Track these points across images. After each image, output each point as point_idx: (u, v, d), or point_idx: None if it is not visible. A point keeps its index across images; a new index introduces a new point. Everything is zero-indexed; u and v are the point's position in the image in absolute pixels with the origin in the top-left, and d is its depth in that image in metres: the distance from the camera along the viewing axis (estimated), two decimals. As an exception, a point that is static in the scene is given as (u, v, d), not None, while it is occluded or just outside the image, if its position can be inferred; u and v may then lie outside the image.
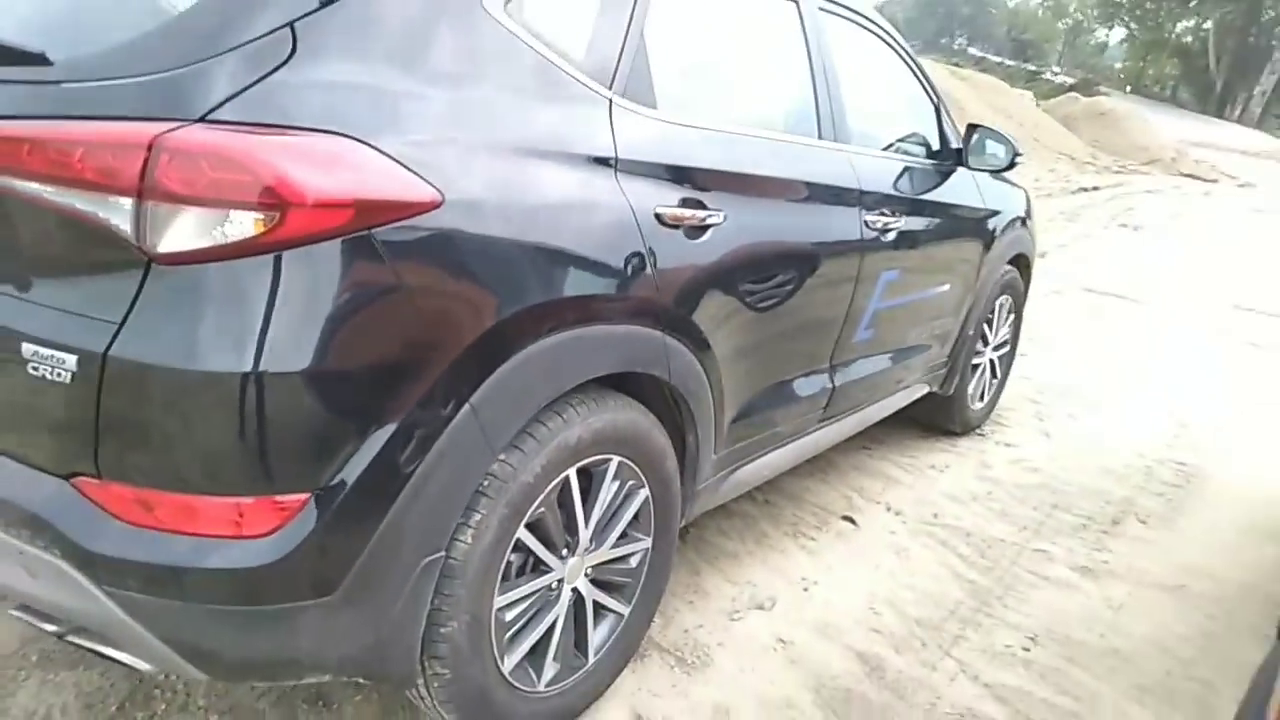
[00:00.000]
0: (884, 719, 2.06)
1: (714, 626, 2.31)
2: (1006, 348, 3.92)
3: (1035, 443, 3.86)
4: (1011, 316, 3.87)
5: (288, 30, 1.30)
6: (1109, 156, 20.30)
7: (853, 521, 2.96)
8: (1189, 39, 74.79)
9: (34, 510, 1.32)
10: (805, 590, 2.54)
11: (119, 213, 1.20)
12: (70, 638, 1.44)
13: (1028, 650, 2.38)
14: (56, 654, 1.95)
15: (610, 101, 1.73)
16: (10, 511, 1.34)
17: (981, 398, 3.83)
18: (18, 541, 1.35)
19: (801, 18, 2.39)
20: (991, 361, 3.83)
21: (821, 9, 2.47)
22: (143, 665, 1.44)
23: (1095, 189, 14.55)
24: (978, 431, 3.86)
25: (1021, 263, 3.77)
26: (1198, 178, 20.71)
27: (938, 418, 3.69)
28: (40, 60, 1.29)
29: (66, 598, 1.36)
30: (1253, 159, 34.40)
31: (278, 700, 1.90)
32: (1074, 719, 2.14)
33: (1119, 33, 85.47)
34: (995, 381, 3.92)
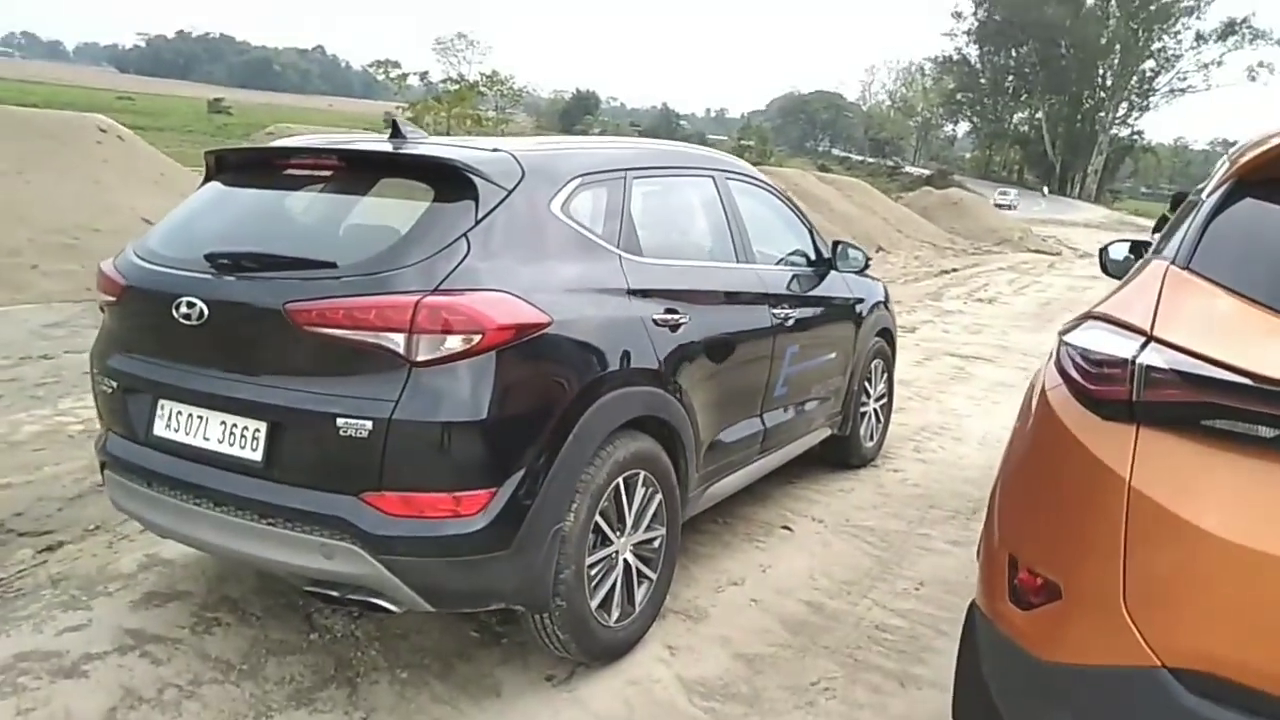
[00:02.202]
0: (825, 631, 3.14)
1: (706, 597, 3.36)
2: (885, 398, 5.17)
3: (915, 467, 5.08)
4: (885, 374, 5.14)
5: (464, 239, 2.42)
6: (965, 240, 22.78)
7: (790, 529, 4.06)
8: (1026, 128, 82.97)
9: (337, 514, 2.31)
10: (764, 571, 3.61)
11: (396, 342, 2.27)
12: (350, 595, 2.42)
13: (919, 590, 3.51)
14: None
15: (620, 255, 2.89)
16: (318, 519, 2.34)
17: (871, 438, 5.05)
18: (320, 538, 2.34)
19: (717, 186, 3.64)
20: (875, 410, 5.06)
21: (728, 179, 3.74)
22: (394, 607, 2.42)
23: (955, 270, 16.59)
24: (872, 464, 5.06)
25: (886, 335, 5.06)
26: (1044, 252, 23.37)
27: (841, 455, 4.86)
28: (332, 265, 2.38)
29: (352, 568, 2.34)
30: (1094, 230, 38.20)
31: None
32: (948, 620, 3.24)
33: (965, 125, 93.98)
34: (880, 425, 5.15)
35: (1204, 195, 1.85)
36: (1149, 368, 1.54)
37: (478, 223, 2.47)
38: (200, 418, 2.53)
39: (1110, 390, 1.61)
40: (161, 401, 2.61)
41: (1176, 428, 1.51)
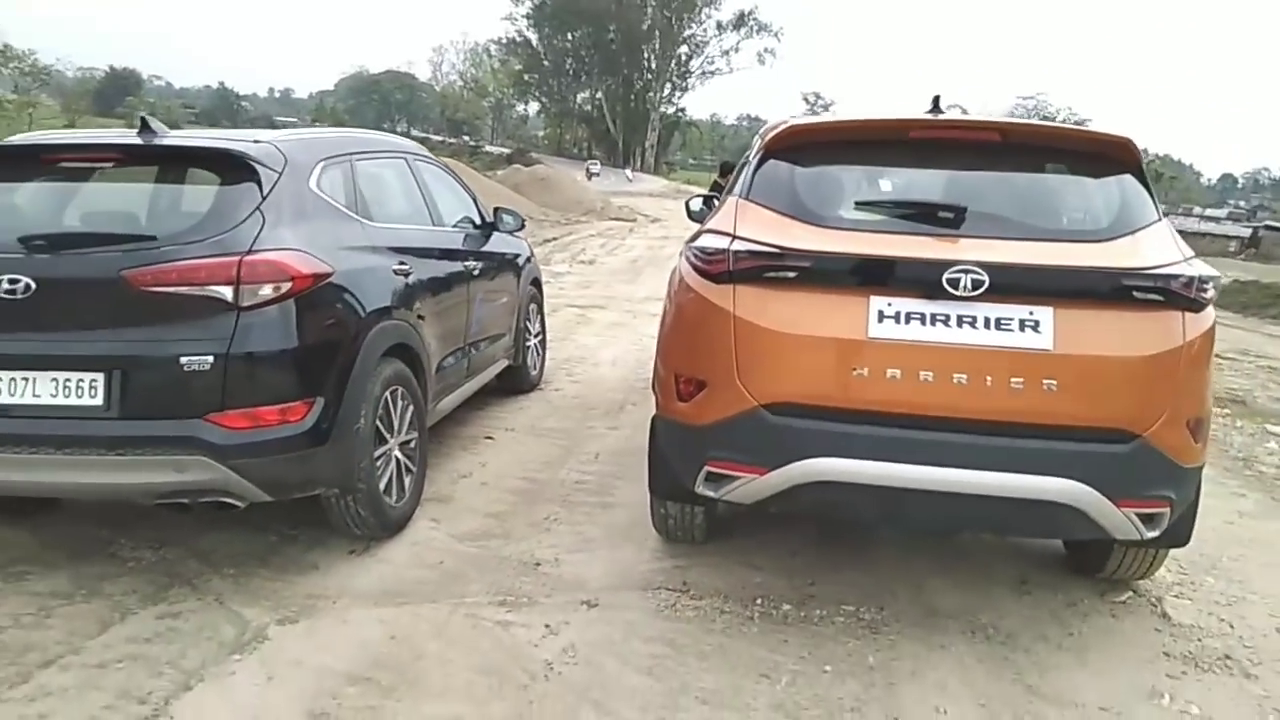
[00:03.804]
0: (542, 491, 4.27)
1: (446, 488, 4.30)
2: (541, 335, 6.40)
3: (571, 386, 6.39)
4: (539, 315, 6.36)
5: (258, 211, 3.12)
6: (557, 213, 24.98)
7: (491, 438, 5.11)
8: (589, 107, 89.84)
9: (186, 435, 2.92)
10: (483, 466, 4.63)
11: (224, 293, 2.93)
12: (200, 499, 3.02)
13: (596, 458, 4.78)
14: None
15: (360, 221, 3.70)
16: (168, 442, 2.92)
17: (535, 368, 6.25)
18: (172, 457, 2.93)
19: (409, 165, 4.53)
20: (535, 345, 6.25)
21: (415, 160, 4.64)
22: (239, 502, 3.07)
23: (556, 239, 18.47)
24: (539, 388, 6.26)
25: (537, 284, 6.28)
26: (622, 219, 26.43)
27: (515, 383, 5.98)
28: (152, 239, 2.95)
29: (202, 475, 2.97)
30: (658, 199, 43.06)
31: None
32: (620, 472, 4.53)
33: (535, 105, 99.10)
34: (539, 357, 6.37)
35: (751, 158, 3.24)
36: (735, 252, 2.85)
37: (264, 198, 3.16)
38: (26, 379, 2.92)
39: (718, 267, 2.90)
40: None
41: (752, 280, 2.83)
